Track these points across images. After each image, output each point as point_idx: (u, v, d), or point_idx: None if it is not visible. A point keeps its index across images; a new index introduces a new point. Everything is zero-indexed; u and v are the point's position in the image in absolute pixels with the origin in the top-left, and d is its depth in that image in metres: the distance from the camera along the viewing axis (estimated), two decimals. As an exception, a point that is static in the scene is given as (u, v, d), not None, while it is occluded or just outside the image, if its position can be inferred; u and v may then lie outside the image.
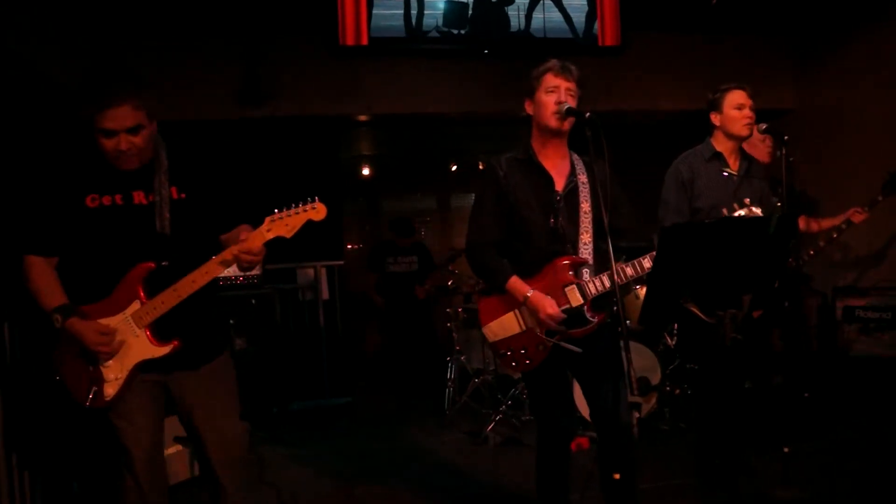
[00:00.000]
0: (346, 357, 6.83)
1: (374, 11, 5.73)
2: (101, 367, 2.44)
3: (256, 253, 2.33)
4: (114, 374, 2.44)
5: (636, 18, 6.08)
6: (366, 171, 9.15)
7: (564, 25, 6.05)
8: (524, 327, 2.81)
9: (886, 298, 5.29)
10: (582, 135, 2.51)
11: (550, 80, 2.79)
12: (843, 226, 4.42)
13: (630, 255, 2.81)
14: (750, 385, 4.94)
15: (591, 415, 3.00)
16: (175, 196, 2.48)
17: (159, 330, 2.45)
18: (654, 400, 4.86)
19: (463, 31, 5.87)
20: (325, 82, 6.07)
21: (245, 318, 5.76)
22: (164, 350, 2.45)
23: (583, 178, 2.87)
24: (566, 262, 2.77)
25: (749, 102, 3.54)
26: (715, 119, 3.60)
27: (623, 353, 2.33)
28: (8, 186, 3.58)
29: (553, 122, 2.78)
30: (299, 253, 6.75)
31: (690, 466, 3.76)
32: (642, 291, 4.90)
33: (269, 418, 5.49)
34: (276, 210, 2.36)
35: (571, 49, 6.13)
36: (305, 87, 6.05)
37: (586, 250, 2.81)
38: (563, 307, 2.74)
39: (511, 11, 5.92)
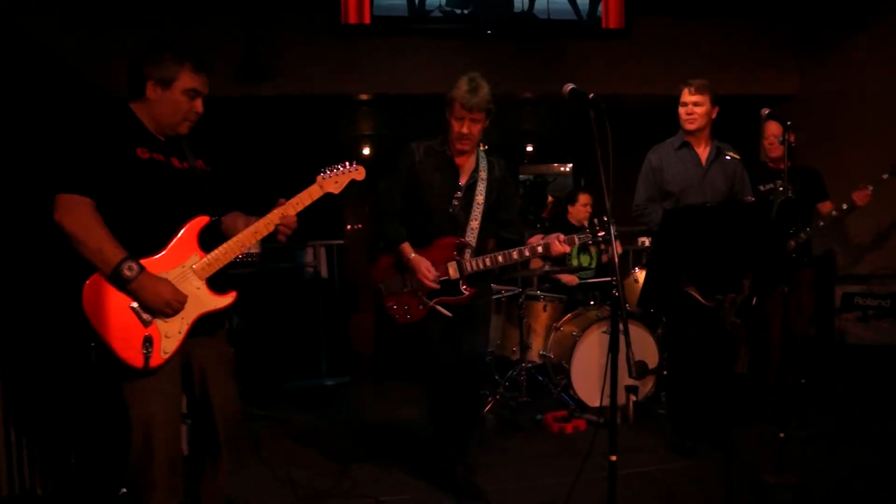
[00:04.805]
0: (343, 337, 6.84)
1: (377, -10, 5.69)
2: (159, 323, 2.35)
3: (293, 224, 2.60)
4: (176, 328, 2.38)
5: (641, 2, 6.04)
6: (366, 151, 9.12)
7: (568, 7, 6.01)
8: (410, 288, 3.31)
9: (886, 286, 5.30)
10: (585, 115, 2.49)
11: (458, 110, 3.15)
12: (845, 206, 4.37)
13: (508, 244, 3.34)
14: (745, 371, 4.99)
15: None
16: (203, 167, 2.63)
17: (215, 283, 2.47)
18: (651, 384, 4.88)
19: (466, 11, 5.83)
20: (326, 61, 6.02)
21: (243, 296, 5.74)
22: (227, 301, 2.49)
23: (483, 174, 3.33)
24: (454, 241, 3.26)
25: (690, 99, 3.85)
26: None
27: (623, 337, 2.35)
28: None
29: (457, 146, 3.25)
30: (299, 232, 6.74)
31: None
32: (641, 275, 4.91)
33: (265, 396, 5.50)
34: (324, 170, 2.61)
35: (574, 31, 6.10)
36: (307, 66, 6.01)
37: (472, 235, 3.29)
38: (443, 278, 3.25)
39: (515, -8, 5.88)
